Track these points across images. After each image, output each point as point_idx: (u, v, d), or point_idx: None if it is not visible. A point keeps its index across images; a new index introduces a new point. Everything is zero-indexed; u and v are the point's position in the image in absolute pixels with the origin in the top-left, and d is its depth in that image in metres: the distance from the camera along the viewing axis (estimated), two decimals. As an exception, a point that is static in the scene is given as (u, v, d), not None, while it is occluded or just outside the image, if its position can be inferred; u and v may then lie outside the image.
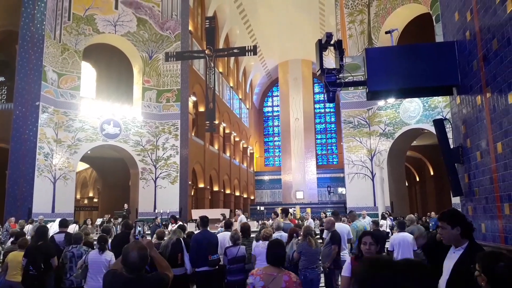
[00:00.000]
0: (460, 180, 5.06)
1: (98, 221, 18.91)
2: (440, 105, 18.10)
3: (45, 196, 18.64)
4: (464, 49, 4.80)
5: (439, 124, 5.22)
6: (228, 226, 7.44)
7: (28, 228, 12.43)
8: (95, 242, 7.60)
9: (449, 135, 5.23)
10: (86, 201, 34.54)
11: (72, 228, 11.45)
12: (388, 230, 13.26)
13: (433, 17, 17.35)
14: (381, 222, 13.20)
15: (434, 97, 17.54)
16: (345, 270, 3.62)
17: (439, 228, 3.07)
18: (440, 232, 3.04)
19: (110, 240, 7.23)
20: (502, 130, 3.90)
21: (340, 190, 38.63)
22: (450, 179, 5.07)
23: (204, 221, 6.75)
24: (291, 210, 21.56)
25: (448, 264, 2.99)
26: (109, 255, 5.82)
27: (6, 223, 13.59)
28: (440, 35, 6.12)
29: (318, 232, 12.04)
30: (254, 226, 14.63)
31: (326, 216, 15.25)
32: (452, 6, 5.26)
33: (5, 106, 20.78)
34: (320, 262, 6.77)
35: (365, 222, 8.90)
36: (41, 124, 18.72)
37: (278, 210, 13.26)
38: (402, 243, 7.08)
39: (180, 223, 12.74)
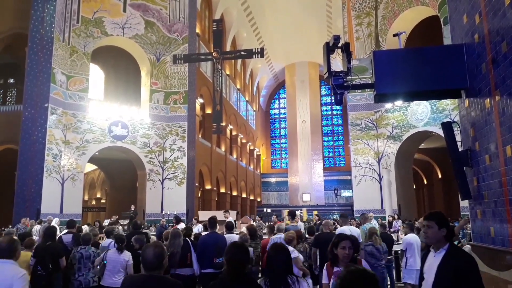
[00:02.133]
0: (468, 184, 5.04)
1: (106, 222, 19.02)
2: (448, 107, 17.99)
3: (54, 197, 18.79)
4: (473, 52, 4.78)
5: (447, 127, 5.19)
6: (229, 228, 7.43)
7: (37, 228, 12.51)
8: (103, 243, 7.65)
9: (458, 138, 5.20)
10: (93, 202, 34.76)
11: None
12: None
13: (441, 20, 17.25)
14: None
15: (442, 100, 17.44)
16: (324, 277, 3.60)
17: (424, 227, 3.13)
18: (426, 231, 3.09)
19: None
20: (511, 133, 3.88)
21: (346, 193, 38.50)
22: (459, 182, 5.04)
23: (212, 223, 6.76)
24: (298, 213, 21.48)
25: (430, 267, 3.06)
26: (127, 255, 5.99)
27: (20, 224, 13.75)
28: (448, 37, 6.10)
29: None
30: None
31: (319, 219, 15.15)
32: (461, 8, 5.24)
33: (15, 108, 21.04)
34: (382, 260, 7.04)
35: (376, 225, 8.91)
36: (50, 125, 18.88)
37: (285, 212, 13.26)
38: (415, 244, 7.36)
39: (183, 224, 12.77)
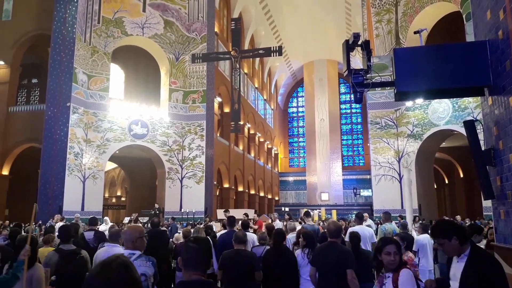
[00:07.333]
0: (491, 183, 4.93)
1: (126, 219, 19.31)
2: (471, 105, 17.63)
3: (75, 195, 19.15)
4: (497, 48, 4.67)
5: (470, 125, 5.09)
6: (245, 226, 7.44)
7: (58, 225, 12.80)
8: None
9: (480, 136, 5.09)
10: (114, 200, 35.32)
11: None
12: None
13: (463, 16, 16.90)
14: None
15: (464, 98, 17.09)
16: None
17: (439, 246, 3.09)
18: (442, 249, 3.01)
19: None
20: (537, 132, 3.78)
21: (365, 192, 38.12)
22: (481, 182, 4.94)
23: (231, 221, 6.79)
24: (316, 212, 21.38)
25: (455, 273, 2.98)
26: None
27: (51, 221, 14.18)
28: (471, 34, 5.97)
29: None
30: (278, 226, 14.57)
31: (288, 219, 14.77)
32: (484, 4, 5.13)
33: (38, 107, 21.57)
34: None
35: (395, 225, 8.80)
36: (72, 124, 19.25)
37: (302, 211, 13.21)
38: (427, 244, 7.35)
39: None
